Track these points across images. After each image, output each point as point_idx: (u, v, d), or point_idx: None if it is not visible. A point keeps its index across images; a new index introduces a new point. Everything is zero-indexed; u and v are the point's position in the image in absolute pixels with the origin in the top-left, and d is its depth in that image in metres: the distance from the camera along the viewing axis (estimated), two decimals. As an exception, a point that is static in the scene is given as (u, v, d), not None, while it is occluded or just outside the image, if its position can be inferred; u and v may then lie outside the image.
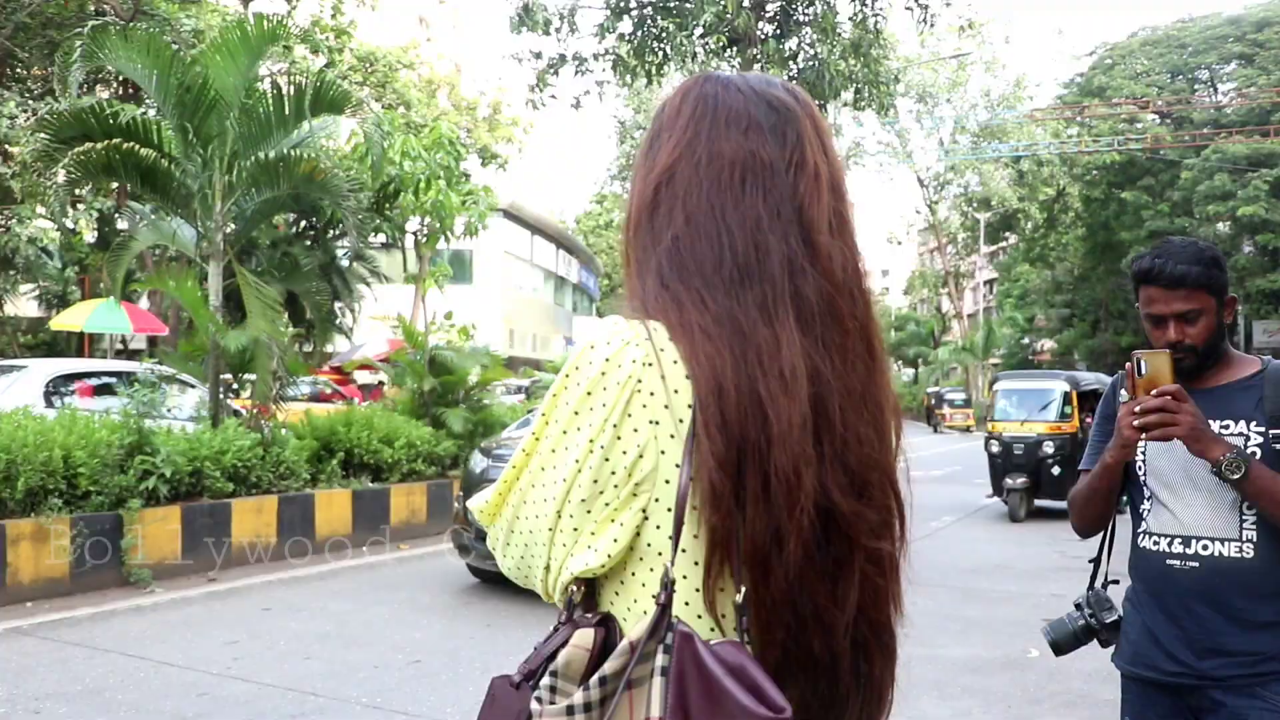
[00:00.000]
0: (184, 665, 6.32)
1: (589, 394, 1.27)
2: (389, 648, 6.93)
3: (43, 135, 10.82)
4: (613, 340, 1.28)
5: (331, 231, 21.18)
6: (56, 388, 11.33)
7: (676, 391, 1.25)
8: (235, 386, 12.02)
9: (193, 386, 11.68)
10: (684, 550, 1.24)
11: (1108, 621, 2.81)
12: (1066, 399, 15.15)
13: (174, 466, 9.06)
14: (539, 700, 1.20)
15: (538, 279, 45.56)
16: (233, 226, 11.79)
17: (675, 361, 1.26)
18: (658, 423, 1.25)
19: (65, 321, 18.83)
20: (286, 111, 11.00)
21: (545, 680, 1.22)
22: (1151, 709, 2.70)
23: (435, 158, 15.56)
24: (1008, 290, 68.50)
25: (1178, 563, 2.59)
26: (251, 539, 9.86)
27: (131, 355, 23.12)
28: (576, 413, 1.28)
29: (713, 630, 1.25)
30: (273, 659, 6.55)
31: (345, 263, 23.66)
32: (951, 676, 6.55)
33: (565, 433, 1.28)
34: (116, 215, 20.37)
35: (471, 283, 38.28)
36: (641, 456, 1.24)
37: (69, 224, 21.11)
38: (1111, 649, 2.81)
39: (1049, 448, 14.65)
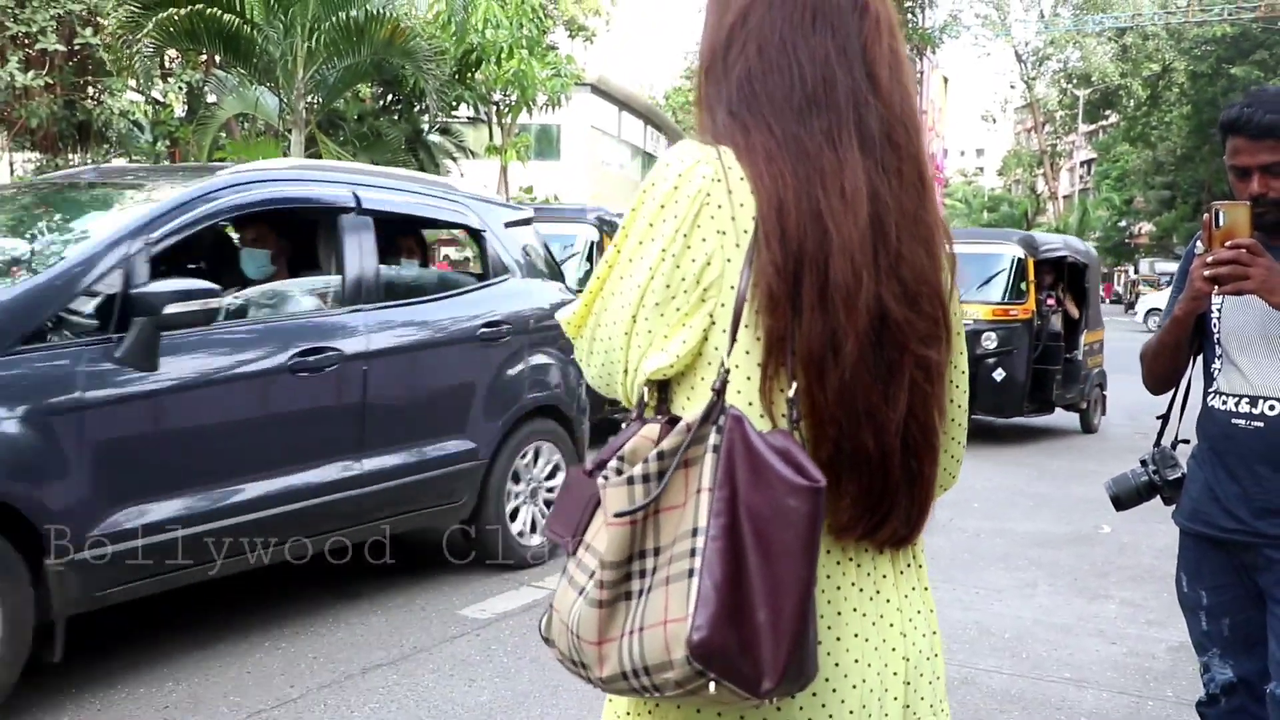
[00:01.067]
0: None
1: (662, 207, 1.38)
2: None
3: (130, 3, 10.89)
4: (685, 159, 1.39)
5: (416, 105, 21.17)
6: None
7: (742, 205, 1.36)
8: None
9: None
10: (747, 352, 1.36)
11: (1171, 479, 2.78)
12: (1020, 270, 10.79)
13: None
14: (604, 479, 1.32)
15: (625, 155, 45.13)
16: (316, 96, 11.83)
17: (741, 179, 1.37)
18: (724, 233, 1.36)
19: (157, 192, 19.17)
20: (368, -27, 10.95)
21: (611, 464, 1.33)
22: (1205, 564, 2.69)
23: (519, 26, 15.34)
24: (1106, 171, 66.54)
25: (1243, 422, 2.54)
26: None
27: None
28: (650, 225, 1.39)
29: (766, 422, 1.36)
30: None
31: (431, 137, 23.74)
32: (1019, 549, 6.56)
33: (640, 243, 1.39)
34: (204, 88, 20.58)
35: (559, 158, 38.07)
36: (709, 264, 1.36)
37: (158, 96, 21.44)
38: (1174, 507, 2.79)
39: (989, 341, 10.46)
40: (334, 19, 10.63)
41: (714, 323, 1.37)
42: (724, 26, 1.47)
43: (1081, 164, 72.34)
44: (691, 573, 1.24)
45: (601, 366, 1.47)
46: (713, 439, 1.29)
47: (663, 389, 1.41)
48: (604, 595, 1.28)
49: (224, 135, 19.36)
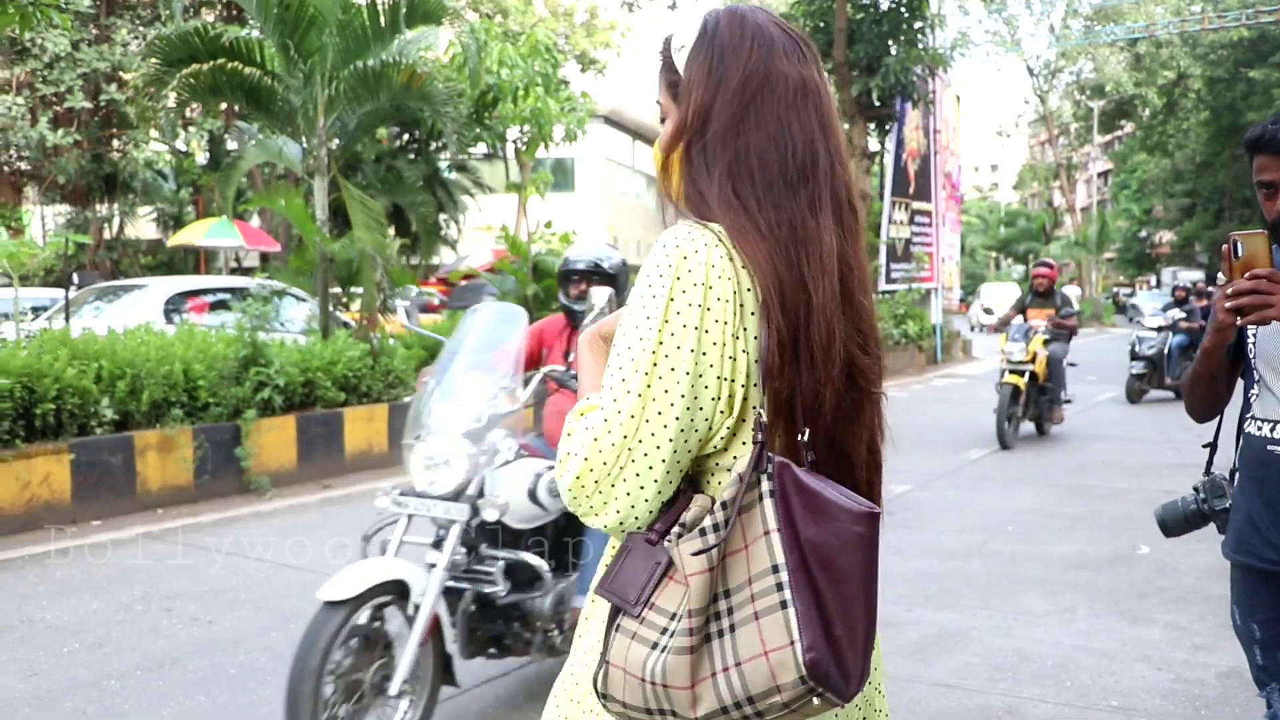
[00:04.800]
0: (301, 567, 6.59)
1: (677, 313, 1.46)
2: (498, 549, 7.11)
3: (153, 60, 11.07)
4: (686, 245, 1.49)
5: (434, 144, 21.35)
6: (175, 305, 11.73)
7: (748, 289, 1.50)
8: (344, 300, 12.28)
9: (303, 300, 11.97)
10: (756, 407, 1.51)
11: (1219, 508, 2.78)
12: None
13: (287, 377, 9.35)
14: (677, 539, 1.45)
15: (640, 185, 45.26)
16: (336, 142, 11.97)
17: (739, 259, 1.51)
18: (733, 315, 1.49)
19: (182, 239, 19.36)
20: (383, 24, 11.06)
21: (674, 530, 1.46)
22: (1256, 596, 2.66)
23: (532, 65, 15.51)
24: (1123, 181, 66.24)
25: (1278, 448, 2.53)
26: (364, 447, 10.16)
27: (245, 273, 23.72)
28: (670, 343, 1.46)
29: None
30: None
31: (448, 174, 23.89)
32: (1056, 573, 6.53)
33: (669, 366, 1.46)
34: (225, 136, 20.83)
35: (574, 190, 38.23)
36: (733, 360, 1.49)
37: (181, 146, 21.68)
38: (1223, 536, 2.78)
39: None
40: (353, 67, 10.76)
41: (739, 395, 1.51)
42: (725, 101, 1.57)
43: (1098, 175, 72.04)
44: (784, 604, 1.40)
45: (635, 510, 1.48)
46: (765, 485, 1.44)
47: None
48: (694, 641, 1.40)
49: (246, 181, 19.60)
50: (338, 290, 11.92)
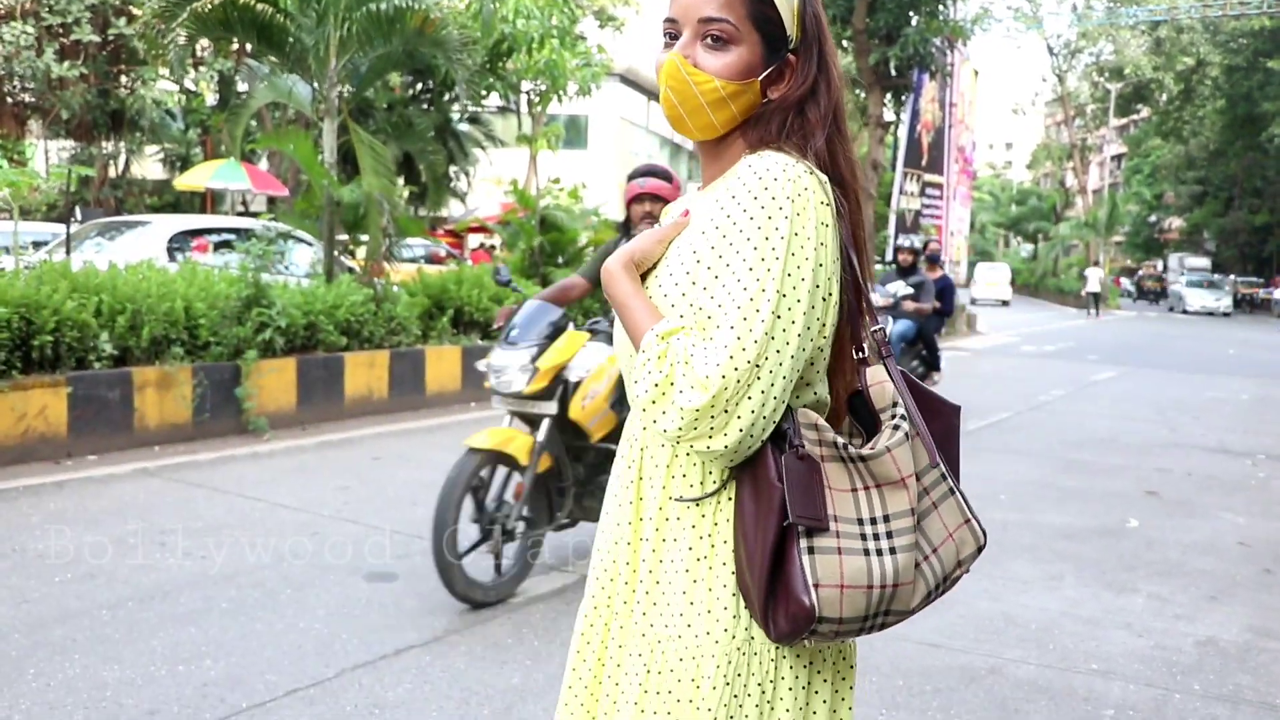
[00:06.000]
0: (297, 508, 6.61)
1: (795, 236, 1.54)
2: (492, 496, 7.14)
3: (163, -8, 10.98)
4: (793, 176, 1.56)
5: (446, 94, 21.24)
6: (178, 243, 11.70)
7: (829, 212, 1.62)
8: (351, 248, 12.25)
9: (309, 244, 11.95)
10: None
11: None
12: None
13: (289, 319, 9.34)
14: (886, 445, 1.58)
15: (653, 145, 45.07)
16: (348, 85, 11.90)
17: (827, 191, 1.63)
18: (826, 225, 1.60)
19: (188, 181, 19.30)
20: (398, -35, 10.98)
21: (833, 439, 1.56)
22: None
23: (549, 17, 15.41)
24: (1136, 165, 65.97)
25: None
26: (364, 392, 10.17)
27: (252, 216, 23.70)
28: (793, 264, 1.53)
29: None
30: (381, 504, 6.81)
31: (460, 126, 23.79)
32: (1046, 541, 6.56)
33: (792, 284, 1.53)
34: (235, 77, 20.69)
35: (587, 148, 38.12)
36: (831, 278, 1.61)
37: (190, 85, 21.57)
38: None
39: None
40: (366, 8, 10.67)
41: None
42: (830, 51, 1.73)
43: (1112, 158, 71.69)
44: (951, 490, 1.61)
45: (754, 427, 1.50)
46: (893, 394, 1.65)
47: None
48: (916, 537, 1.56)
49: (255, 124, 19.51)
50: (345, 238, 11.87)
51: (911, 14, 21.87)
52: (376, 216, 10.78)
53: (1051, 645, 4.76)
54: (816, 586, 1.46)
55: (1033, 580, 5.75)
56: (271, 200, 20.81)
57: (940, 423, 1.66)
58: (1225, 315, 44.65)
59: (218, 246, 11.76)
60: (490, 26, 13.71)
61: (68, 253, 10.23)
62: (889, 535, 1.52)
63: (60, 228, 13.10)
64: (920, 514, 1.57)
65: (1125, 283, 59.88)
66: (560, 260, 13.44)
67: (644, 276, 1.68)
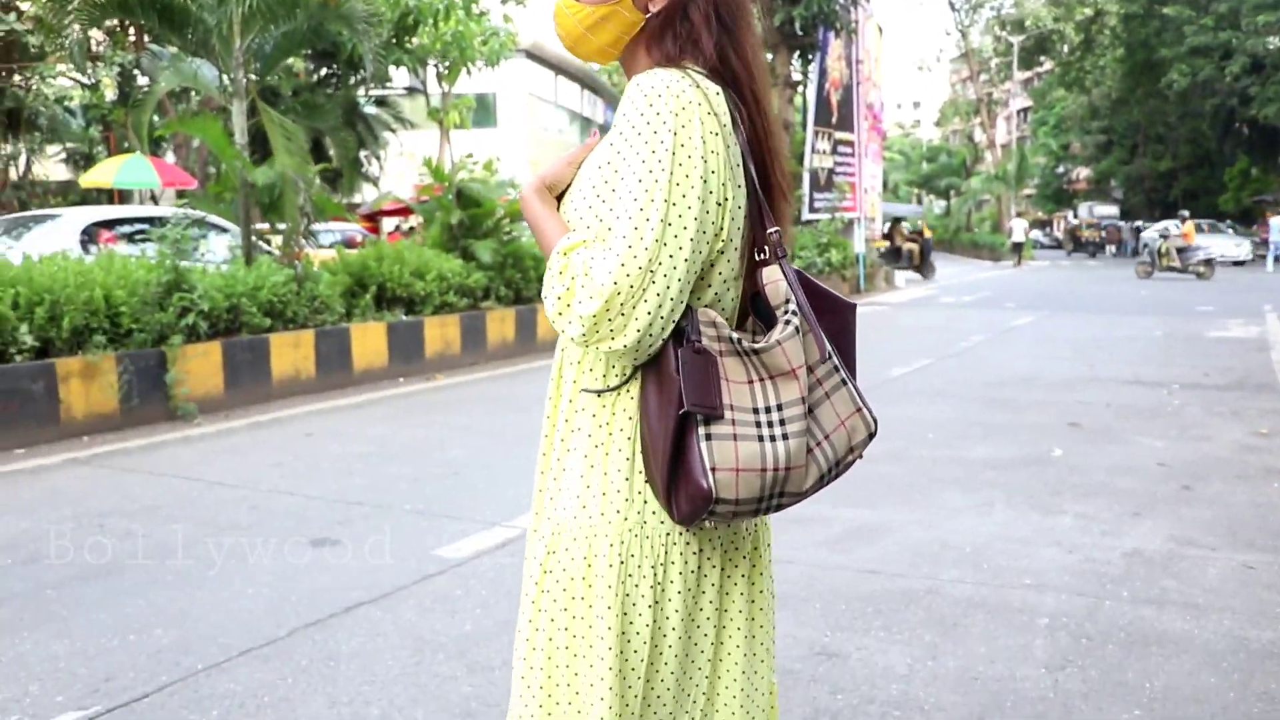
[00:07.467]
0: (234, 484, 6.58)
1: (681, 147, 1.59)
2: (428, 463, 7.17)
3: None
4: (686, 89, 1.62)
5: (353, 77, 21.00)
6: (91, 235, 11.49)
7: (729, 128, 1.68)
8: (267, 236, 12.09)
9: (224, 230, 11.79)
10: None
11: None
12: None
13: (212, 303, 9.25)
14: (775, 340, 1.64)
15: (563, 120, 44.95)
16: (255, 67, 11.73)
17: (718, 94, 1.68)
18: (728, 146, 1.66)
19: (94, 178, 18.85)
20: (299, -60, 10.84)
21: (731, 335, 1.65)
22: None
23: (453, -10, 15.30)
24: (1042, 118, 67.11)
25: None
26: (291, 373, 10.10)
27: (163, 208, 23.27)
28: (680, 181, 1.58)
29: None
30: (317, 476, 6.81)
31: (369, 109, 23.53)
32: (974, 473, 6.74)
33: (679, 194, 1.58)
34: (137, 70, 20.26)
35: (496, 125, 37.92)
36: (724, 186, 1.64)
37: (90, 79, 21.08)
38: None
39: None
40: (269, -15, 10.55)
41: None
42: None
43: (1019, 112, 72.83)
44: (843, 381, 1.69)
45: (651, 327, 1.57)
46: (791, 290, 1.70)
47: None
48: (807, 423, 1.63)
49: (159, 117, 19.13)
50: (264, 226, 11.72)
51: (814, -29, 22.03)
52: (293, 196, 10.67)
53: (985, 565, 4.91)
54: (713, 470, 1.54)
55: (964, 508, 5.91)
56: (181, 194, 20.44)
57: (836, 319, 1.74)
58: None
59: (131, 237, 11.55)
60: None
61: (-25, 251, 10.01)
62: (781, 423, 1.60)
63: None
64: (812, 403, 1.65)
65: (1037, 234, 60.89)
66: (479, 233, 13.38)
67: (561, 198, 1.77)
